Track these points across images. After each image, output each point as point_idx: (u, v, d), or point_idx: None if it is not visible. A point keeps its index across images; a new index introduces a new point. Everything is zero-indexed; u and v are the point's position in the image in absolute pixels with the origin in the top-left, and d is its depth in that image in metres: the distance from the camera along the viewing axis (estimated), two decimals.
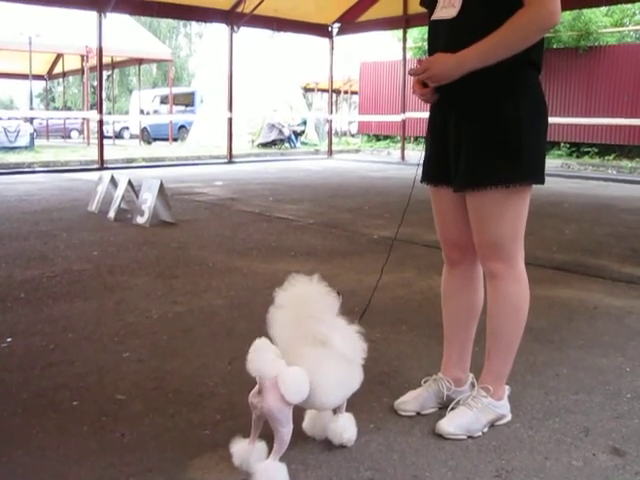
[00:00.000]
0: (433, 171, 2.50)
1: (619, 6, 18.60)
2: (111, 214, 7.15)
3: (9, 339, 3.38)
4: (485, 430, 2.42)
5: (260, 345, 2.02)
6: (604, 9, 18.53)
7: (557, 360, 3.19)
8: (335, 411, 2.28)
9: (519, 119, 2.26)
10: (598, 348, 3.38)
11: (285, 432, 2.00)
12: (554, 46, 17.84)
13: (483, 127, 2.29)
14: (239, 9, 15.66)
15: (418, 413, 2.55)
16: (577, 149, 17.61)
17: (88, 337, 3.45)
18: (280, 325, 2.16)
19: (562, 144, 17.57)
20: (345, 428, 2.27)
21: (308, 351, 2.13)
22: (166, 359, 3.14)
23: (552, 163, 15.62)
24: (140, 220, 6.78)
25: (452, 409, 2.49)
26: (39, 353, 3.21)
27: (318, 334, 2.14)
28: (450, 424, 2.39)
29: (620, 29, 19.70)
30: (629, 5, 19.75)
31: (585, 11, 17.55)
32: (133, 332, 3.54)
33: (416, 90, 2.41)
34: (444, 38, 2.32)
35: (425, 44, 15.60)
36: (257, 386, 2.03)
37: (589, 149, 17.37)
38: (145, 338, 3.45)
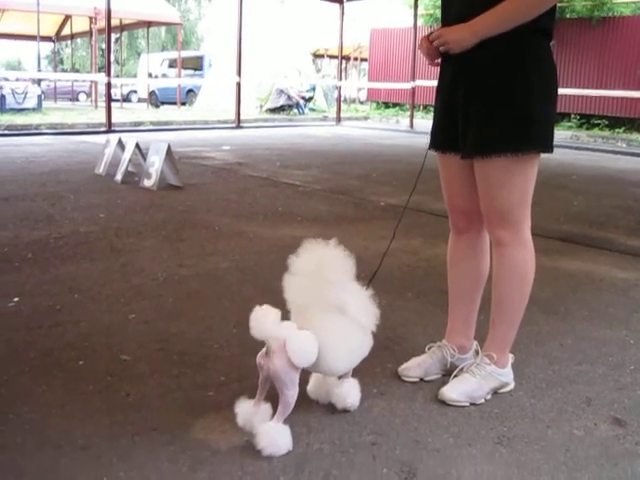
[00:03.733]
0: (441, 138, 2.49)
1: None
2: (118, 177, 7.14)
3: (16, 299, 3.40)
4: (488, 397, 2.43)
5: (261, 311, 2.01)
6: None
7: (561, 330, 3.19)
8: (340, 376, 2.29)
9: (528, 86, 2.24)
10: (603, 320, 3.38)
11: (290, 395, 2.02)
12: (567, 16, 17.60)
13: (492, 94, 2.27)
14: None
15: (421, 379, 2.57)
16: (587, 121, 17.46)
17: (94, 298, 3.47)
18: (294, 289, 2.16)
19: (572, 115, 17.41)
20: (349, 393, 2.28)
21: (321, 316, 2.14)
22: (171, 321, 3.16)
23: (562, 134, 15.52)
24: (147, 183, 6.77)
25: (455, 376, 2.49)
26: (45, 313, 3.23)
27: (334, 299, 2.14)
28: (453, 391, 2.40)
29: None
30: None
31: None
32: (139, 294, 3.55)
33: (423, 45, 2.38)
34: (457, 5, 2.30)
35: (437, 11, 15.52)
36: (265, 347, 2.04)
37: (599, 121, 17.21)
38: (151, 300, 3.46)
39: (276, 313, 2.02)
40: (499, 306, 2.46)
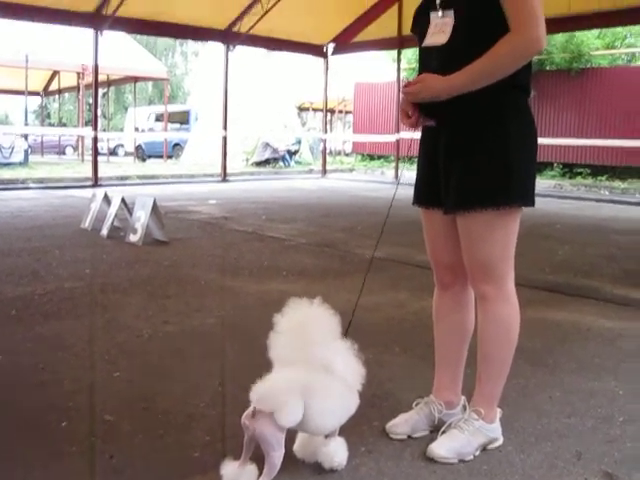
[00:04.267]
0: (424, 193, 2.51)
1: (610, 29, 18.77)
2: (104, 232, 7.13)
3: None
4: (477, 453, 2.41)
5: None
6: (596, 32, 18.70)
7: (549, 383, 3.18)
8: (327, 435, 2.27)
9: (507, 142, 2.28)
10: (591, 371, 3.37)
11: (276, 456, 1.99)
12: (547, 68, 17.97)
13: (471, 150, 2.31)
14: (235, 28, 15.76)
15: (409, 436, 2.54)
16: (570, 170, 17.69)
17: (78, 356, 3.43)
18: (280, 348, 2.15)
19: (555, 164, 17.64)
20: (336, 452, 2.25)
21: (306, 375, 2.12)
22: (156, 379, 3.12)
23: (545, 183, 15.70)
24: (133, 238, 6.76)
25: (444, 432, 2.47)
26: (29, 372, 3.18)
27: (320, 358, 2.13)
28: (441, 447, 2.37)
29: (612, 52, 19.89)
30: (620, 28, 19.99)
31: (577, 34, 17.71)
32: (123, 351, 3.51)
33: (402, 118, 2.44)
34: (435, 64, 2.35)
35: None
36: (251, 407, 2.01)
37: (582, 170, 17.45)
38: (135, 358, 3.43)
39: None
40: (485, 361, 2.45)
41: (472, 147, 2.31)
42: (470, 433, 2.41)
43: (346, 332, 2.29)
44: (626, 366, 3.46)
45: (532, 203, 2.37)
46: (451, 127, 2.34)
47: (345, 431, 2.31)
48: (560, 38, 17.74)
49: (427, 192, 2.49)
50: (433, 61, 2.38)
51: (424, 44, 2.42)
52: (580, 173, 17.41)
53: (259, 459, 2.03)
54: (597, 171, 17.24)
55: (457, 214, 2.37)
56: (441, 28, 2.34)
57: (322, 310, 2.17)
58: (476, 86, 2.23)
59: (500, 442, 2.50)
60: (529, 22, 2.20)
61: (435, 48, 2.36)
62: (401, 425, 2.56)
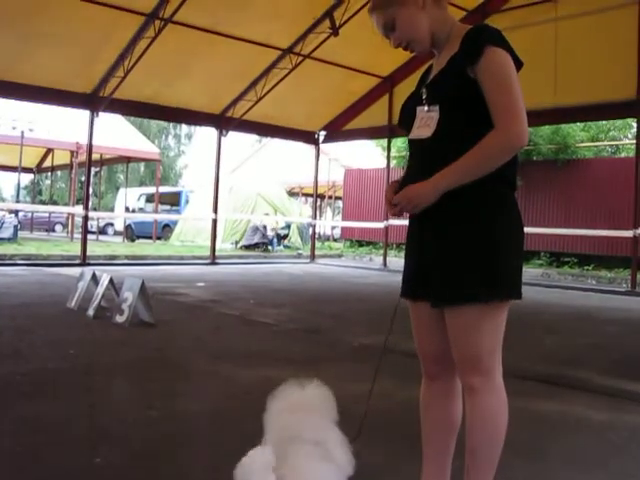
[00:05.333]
0: (411, 286, 2.52)
1: (595, 122, 19.31)
2: (90, 312, 7.08)
3: None
4: None
5: (253, 457, 1.95)
6: (581, 125, 19.22)
7: (539, 476, 3.13)
8: None
9: (494, 236, 2.31)
10: (580, 464, 3.32)
11: None
12: (534, 158, 18.37)
13: (459, 244, 2.33)
14: (229, 114, 16.10)
15: None
16: (557, 259, 17.85)
17: (57, 440, 3.35)
18: (273, 428, 2.11)
19: (542, 253, 17.81)
20: None
21: (300, 462, 2.07)
22: (139, 466, 3.05)
23: (532, 272, 15.80)
24: (119, 319, 6.71)
25: None
26: (6, 455, 3.11)
27: (313, 438, 2.09)
28: None
29: (596, 144, 20.42)
30: (604, 122, 20.56)
31: (563, 126, 18.19)
32: (106, 436, 3.44)
33: (388, 208, 2.48)
34: (421, 157, 2.42)
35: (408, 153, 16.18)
36: None
37: (569, 259, 17.61)
38: (118, 443, 3.35)
39: (265, 460, 1.95)
40: (473, 455, 2.41)
41: (458, 241, 2.33)
42: None
43: (356, 438, 2.26)
44: (616, 459, 3.41)
45: (519, 296, 2.38)
46: (435, 224, 2.37)
47: None
48: (547, 130, 18.23)
49: (414, 285, 2.50)
50: (418, 154, 2.45)
51: (410, 137, 2.49)
52: (567, 262, 17.57)
53: None
54: (584, 260, 17.40)
55: (445, 308, 2.38)
56: (426, 122, 2.40)
57: (318, 393, 2.15)
58: (462, 182, 2.27)
59: None
60: (511, 118, 2.25)
61: (420, 141, 2.42)
62: None
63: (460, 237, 2.33)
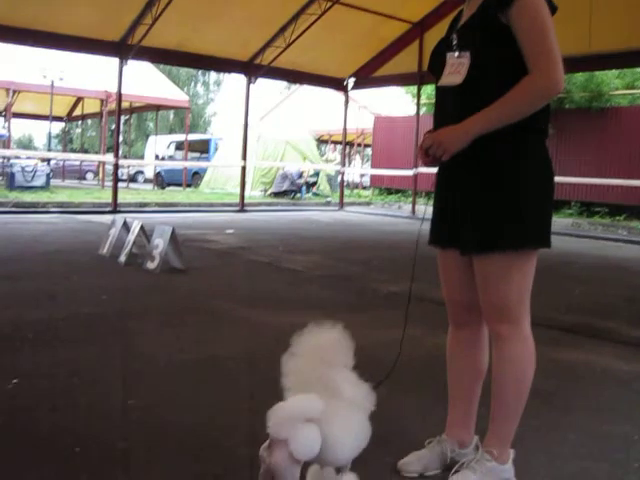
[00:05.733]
0: (440, 234, 2.53)
1: (630, 69, 18.83)
2: (122, 258, 7.19)
3: (15, 380, 3.38)
4: None
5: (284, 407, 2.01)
6: (615, 72, 18.75)
7: (564, 425, 3.15)
8: (338, 470, 2.26)
9: (524, 184, 2.31)
10: (606, 414, 3.34)
11: None
12: (567, 106, 18.01)
13: (489, 191, 2.33)
14: (257, 60, 15.97)
15: (421, 475, 2.53)
16: (587, 208, 17.64)
17: (93, 382, 3.45)
18: (293, 370, 2.16)
19: (573, 203, 17.60)
20: None
21: (322, 403, 2.12)
22: (171, 408, 3.13)
23: (562, 222, 15.64)
24: (150, 266, 6.81)
25: (456, 472, 2.46)
26: (44, 396, 3.21)
27: (330, 382, 2.14)
28: None
29: (631, 91, 19.91)
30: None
31: (597, 73, 17.78)
32: (138, 379, 3.53)
33: (420, 156, 2.47)
34: (450, 105, 2.39)
35: None
36: (268, 439, 2.02)
37: (600, 209, 17.39)
38: (150, 386, 3.44)
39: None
40: (499, 401, 2.45)
41: (488, 189, 2.33)
42: (482, 474, 2.40)
43: (380, 383, 2.30)
44: None
45: (548, 245, 2.38)
46: (466, 171, 2.37)
47: (357, 467, 2.30)
48: (580, 77, 17.82)
49: (443, 233, 2.51)
50: (448, 101, 2.42)
51: (439, 84, 2.46)
52: (598, 212, 17.35)
53: None
54: (615, 210, 17.17)
55: (474, 255, 2.39)
56: (457, 68, 2.37)
57: (337, 335, 2.19)
58: (493, 128, 2.26)
59: None
60: (548, 64, 2.23)
61: (450, 88, 2.39)
62: (413, 463, 2.55)
63: (491, 185, 2.32)
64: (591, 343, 4.80)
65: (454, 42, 2.41)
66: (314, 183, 23.76)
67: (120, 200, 14.55)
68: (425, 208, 2.61)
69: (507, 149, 2.31)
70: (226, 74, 41.20)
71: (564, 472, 2.63)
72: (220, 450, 2.69)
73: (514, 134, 2.29)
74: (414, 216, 17.10)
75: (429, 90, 20.97)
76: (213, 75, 49.85)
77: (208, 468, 2.51)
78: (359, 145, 32.69)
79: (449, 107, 2.39)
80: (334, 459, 2.14)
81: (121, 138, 21.17)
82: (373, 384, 2.25)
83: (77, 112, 28.58)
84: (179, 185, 25.40)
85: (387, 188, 23.62)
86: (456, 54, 2.39)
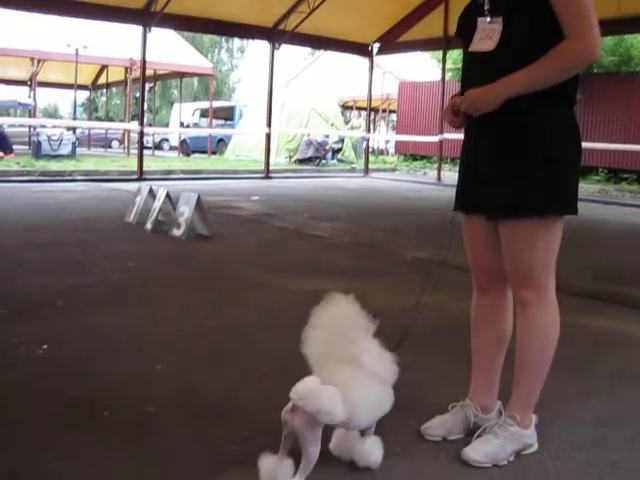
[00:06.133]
0: (466, 200, 2.53)
1: None
2: (148, 226, 7.25)
3: (45, 346, 3.46)
4: (511, 459, 2.42)
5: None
6: None
7: (586, 391, 3.17)
8: (363, 433, 2.30)
9: (553, 150, 2.30)
10: (629, 380, 3.35)
11: (313, 451, 2.03)
12: (595, 71, 17.68)
13: (516, 158, 2.32)
14: (281, 27, 15.85)
15: (444, 438, 2.56)
16: (615, 175, 17.39)
17: (121, 348, 3.52)
18: (315, 344, 2.19)
19: (600, 169, 17.37)
20: (371, 451, 2.29)
21: (342, 370, 2.17)
22: (197, 373, 3.19)
23: (589, 188, 15.46)
24: (176, 233, 6.86)
25: (478, 436, 2.48)
26: (73, 362, 3.28)
27: (351, 354, 2.18)
28: (476, 452, 2.39)
29: None
30: None
31: (627, 37, 17.41)
32: (166, 344, 3.60)
33: (446, 117, 2.46)
34: (480, 70, 2.37)
35: None
36: (290, 402, 2.06)
37: (627, 175, 17.15)
38: (177, 351, 3.50)
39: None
40: (522, 367, 2.46)
41: (517, 155, 2.32)
42: (505, 438, 2.42)
43: (398, 345, 2.33)
44: None
45: (575, 211, 2.38)
46: (495, 136, 2.36)
47: (381, 430, 2.34)
48: (609, 41, 17.44)
49: (469, 198, 2.51)
50: (478, 67, 2.40)
51: (470, 49, 2.43)
52: (625, 179, 17.11)
53: (297, 455, 2.08)
54: None
55: (500, 221, 2.39)
56: (488, 34, 2.35)
57: (354, 307, 2.21)
58: (526, 92, 2.25)
59: (535, 448, 2.50)
60: (585, 30, 2.21)
61: (481, 54, 2.37)
62: (436, 427, 2.58)
63: (519, 151, 2.32)
64: (616, 310, 4.78)
65: (486, 7, 2.38)
66: (339, 149, 23.65)
67: (145, 168, 14.61)
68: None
69: (535, 115, 2.30)
70: (250, 40, 40.97)
71: (585, 438, 2.65)
72: (246, 414, 2.74)
73: (543, 100, 2.27)
74: (439, 182, 17.01)
75: (455, 55, 20.70)
76: (237, 42, 49.56)
77: (235, 431, 2.56)
78: (384, 111, 32.42)
79: (479, 73, 2.37)
80: (354, 423, 2.18)
81: (146, 106, 21.17)
82: (392, 348, 2.29)
83: (102, 80, 28.57)
84: (204, 152, 25.40)
85: (412, 154, 23.45)
86: (488, 19, 2.36)
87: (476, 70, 2.41)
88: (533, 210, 2.31)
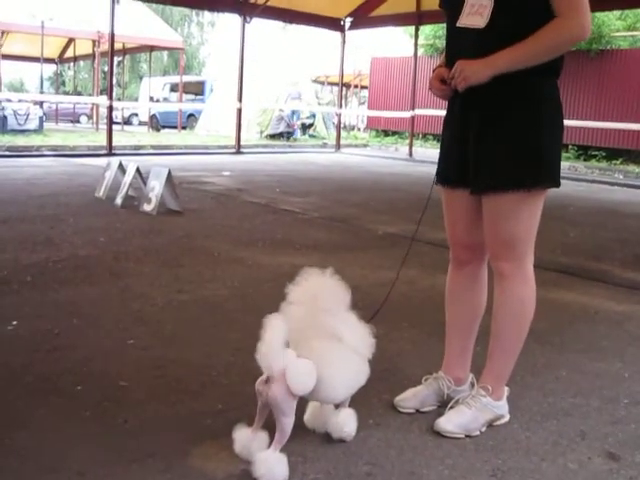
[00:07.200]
0: (450, 173, 2.52)
1: (632, 10, 18.53)
2: (118, 201, 7.18)
3: (14, 322, 3.42)
4: (483, 429, 2.45)
5: (270, 337, 2.03)
6: (617, 13, 18.45)
7: (556, 363, 3.21)
8: (337, 405, 2.31)
9: (540, 124, 2.31)
10: (597, 352, 3.40)
11: (287, 422, 2.04)
12: None
13: (504, 130, 2.33)
14: (252, 0, 15.66)
15: (417, 410, 2.58)
16: (585, 152, 17.56)
17: (92, 323, 3.49)
18: (291, 318, 2.19)
19: (570, 146, 17.52)
20: (346, 423, 2.30)
21: (318, 344, 2.17)
22: (170, 347, 3.18)
23: None
24: (147, 208, 6.81)
25: (451, 408, 2.51)
26: (44, 337, 3.24)
27: (328, 327, 2.18)
28: (449, 422, 2.41)
29: (633, 33, 19.62)
30: None
31: (598, 14, 17.48)
32: (137, 319, 3.57)
33: (434, 86, 2.44)
34: (469, 46, 2.33)
35: (437, 41, 15.35)
36: (265, 374, 2.06)
37: (597, 152, 17.33)
38: (149, 326, 3.48)
39: (282, 339, 2.04)
40: (498, 339, 2.49)
41: (504, 129, 2.32)
42: (477, 409, 2.45)
43: (371, 319, 2.34)
44: (633, 349, 3.49)
45: (558, 184, 2.41)
46: (482, 108, 2.35)
47: (355, 403, 2.36)
48: None
49: (453, 172, 2.49)
50: (466, 42, 2.36)
51: (459, 24, 2.38)
52: (595, 156, 17.29)
53: (271, 427, 2.08)
54: (612, 154, 17.11)
55: (484, 195, 2.40)
56: (478, 10, 2.31)
57: (333, 280, 2.22)
58: (516, 68, 2.25)
59: (506, 419, 2.54)
60: (575, 8, 2.22)
61: (470, 30, 2.34)
62: (410, 399, 2.60)
63: (506, 125, 2.32)
64: (585, 284, 4.85)
65: None
66: (310, 125, 23.57)
67: (115, 143, 14.42)
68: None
69: (523, 90, 2.31)
70: (221, 14, 40.44)
71: (556, 408, 2.70)
72: (219, 387, 2.74)
73: (532, 74, 2.27)
74: (411, 158, 17.03)
75: (427, 31, 20.67)
76: (207, 15, 48.91)
77: (208, 405, 2.56)
78: (356, 87, 32.33)
79: (468, 48, 2.33)
80: (326, 397, 2.19)
81: (115, 80, 20.90)
82: (366, 320, 2.30)
83: (69, 54, 28.06)
84: (174, 127, 25.16)
85: (384, 130, 23.45)
86: None
87: (464, 45, 2.36)
88: (521, 183, 2.32)
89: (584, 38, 2.28)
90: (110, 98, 14.47)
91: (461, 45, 2.39)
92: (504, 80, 2.26)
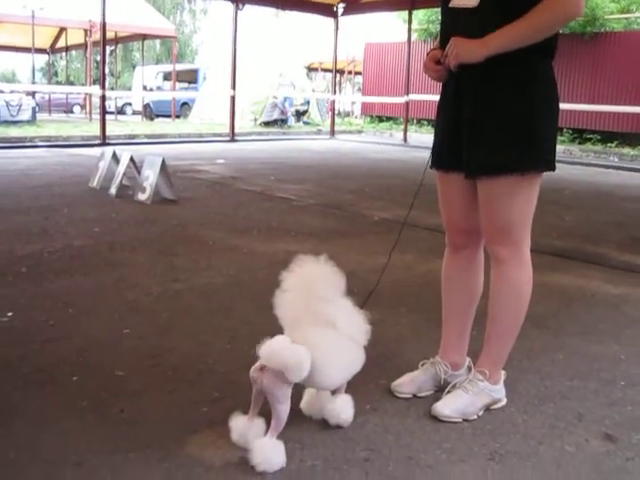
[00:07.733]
0: (444, 157, 2.50)
1: None
2: (112, 190, 7.15)
3: (10, 313, 3.41)
4: (480, 413, 2.45)
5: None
6: None
7: (553, 346, 3.21)
8: (334, 392, 2.31)
9: (535, 106, 2.29)
10: (594, 335, 3.40)
11: (282, 409, 2.03)
12: (560, 31, 17.63)
13: (499, 113, 2.30)
14: None
15: (414, 395, 2.58)
16: (580, 135, 17.54)
17: (88, 313, 3.48)
18: (286, 305, 2.18)
19: (565, 130, 17.49)
20: (342, 409, 2.30)
21: (313, 330, 2.17)
22: (165, 336, 3.17)
23: None
24: (141, 197, 6.78)
25: (448, 392, 2.51)
26: (39, 328, 3.23)
27: (323, 314, 2.17)
28: (446, 407, 2.41)
29: (627, 15, 19.54)
30: None
31: None
32: (133, 309, 3.56)
33: (429, 67, 2.42)
34: (462, 27, 2.31)
35: (430, 26, 15.31)
36: (259, 361, 2.05)
37: (592, 136, 17.29)
38: (145, 315, 3.47)
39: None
40: (495, 323, 2.48)
41: (499, 111, 2.30)
42: (474, 393, 2.45)
43: (364, 303, 2.33)
44: (629, 331, 3.49)
45: (554, 167, 2.39)
46: (477, 90, 2.33)
47: (351, 389, 2.35)
48: None
49: (447, 156, 2.47)
50: (460, 23, 2.34)
51: (451, 4, 2.37)
52: (590, 139, 17.26)
53: (267, 414, 2.08)
54: (607, 137, 17.08)
55: (479, 178, 2.38)
56: None
57: (327, 267, 2.21)
58: (511, 48, 2.22)
59: (503, 403, 2.54)
60: None
61: (463, 10, 2.32)
62: (407, 384, 2.60)
63: (502, 108, 2.30)
64: (581, 267, 4.85)
65: None
66: (305, 112, 23.50)
67: (108, 132, 14.36)
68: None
69: (517, 71, 2.28)
70: (213, 2, 40.27)
71: (553, 391, 2.70)
72: (215, 375, 2.73)
73: (526, 55, 2.26)
74: (406, 144, 17.00)
75: (420, 15, 20.59)
76: (199, 3, 48.67)
77: (204, 393, 2.56)
78: (349, 73, 32.22)
79: (461, 29, 2.31)
80: (321, 383, 2.19)
81: (107, 69, 20.79)
82: (359, 306, 2.29)
83: (61, 44, 27.90)
84: (168, 116, 25.08)
85: (378, 116, 23.39)
86: None
87: (458, 26, 2.34)
88: (515, 167, 2.30)
89: (579, 15, 2.27)
90: (103, 88, 14.41)
91: (455, 26, 2.36)
92: (499, 60, 2.24)
